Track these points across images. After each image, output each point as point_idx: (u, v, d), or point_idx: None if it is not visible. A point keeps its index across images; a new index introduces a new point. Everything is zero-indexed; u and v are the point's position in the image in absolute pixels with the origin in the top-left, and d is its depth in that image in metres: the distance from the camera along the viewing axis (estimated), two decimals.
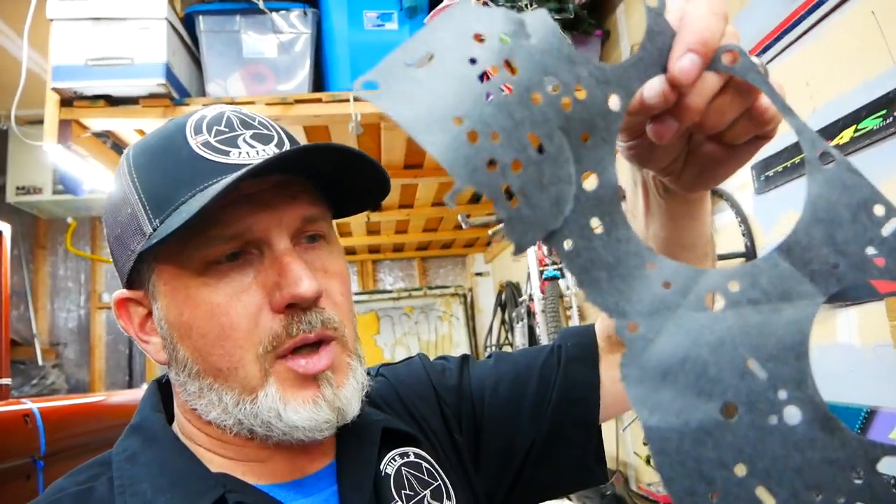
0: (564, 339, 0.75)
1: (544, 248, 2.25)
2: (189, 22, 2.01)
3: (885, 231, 0.31)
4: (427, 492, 0.62)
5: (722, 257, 1.48)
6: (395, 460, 0.63)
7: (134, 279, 0.57)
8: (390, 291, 4.64)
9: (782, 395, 0.30)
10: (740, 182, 1.51)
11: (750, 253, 1.49)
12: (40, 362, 4.48)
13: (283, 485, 0.58)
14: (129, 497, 0.52)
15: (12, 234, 4.74)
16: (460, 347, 4.56)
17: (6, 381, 2.16)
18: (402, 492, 0.61)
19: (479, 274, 4.86)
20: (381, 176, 0.58)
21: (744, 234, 1.50)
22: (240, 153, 0.54)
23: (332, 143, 0.53)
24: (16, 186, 3.98)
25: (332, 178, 0.58)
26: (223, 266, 0.53)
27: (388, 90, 0.29)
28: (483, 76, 0.31)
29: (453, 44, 0.31)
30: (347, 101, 1.92)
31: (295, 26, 2.00)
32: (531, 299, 2.34)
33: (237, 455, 0.58)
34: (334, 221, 0.64)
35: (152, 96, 1.85)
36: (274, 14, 1.98)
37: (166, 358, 0.57)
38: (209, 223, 0.52)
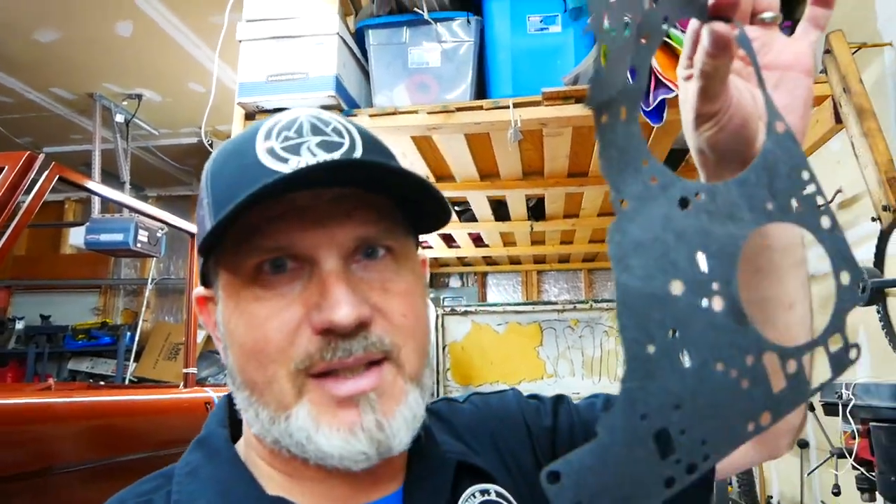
0: None
1: None
2: (360, 37, 2.09)
3: (806, 191, 0.40)
4: None
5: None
6: (475, 497, 0.59)
7: (206, 278, 0.58)
8: (555, 303, 4.53)
9: (714, 286, 0.37)
10: None
11: None
12: None
13: None
14: None
15: None
16: None
17: (192, 370, 2.40)
18: None
19: None
20: (430, 193, 0.54)
21: None
22: (298, 161, 0.52)
23: (366, 158, 0.52)
24: None
25: (404, 194, 0.56)
26: (270, 277, 0.52)
27: None
28: None
29: None
30: (508, 107, 1.88)
31: (458, 35, 2.01)
32: None
33: (295, 473, 0.56)
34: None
35: (323, 108, 1.95)
36: (438, 24, 2.00)
37: (225, 363, 0.57)
38: (254, 232, 0.51)
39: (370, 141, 0.57)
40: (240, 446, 0.60)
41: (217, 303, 0.56)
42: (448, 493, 0.58)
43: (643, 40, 0.40)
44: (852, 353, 0.39)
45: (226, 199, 0.51)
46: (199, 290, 0.60)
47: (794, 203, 0.40)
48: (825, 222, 0.40)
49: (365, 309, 0.51)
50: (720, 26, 0.43)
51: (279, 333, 0.51)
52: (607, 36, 0.38)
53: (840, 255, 0.40)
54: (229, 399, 0.61)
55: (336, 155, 0.53)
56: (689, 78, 0.51)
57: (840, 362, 0.39)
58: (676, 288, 0.37)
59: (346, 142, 0.55)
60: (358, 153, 0.55)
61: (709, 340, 0.36)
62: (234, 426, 0.61)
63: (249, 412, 0.54)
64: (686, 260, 0.37)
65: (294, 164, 0.52)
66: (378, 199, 0.55)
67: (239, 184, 0.52)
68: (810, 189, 0.41)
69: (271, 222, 0.51)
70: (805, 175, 0.41)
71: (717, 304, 0.37)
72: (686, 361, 0.36)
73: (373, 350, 0.51)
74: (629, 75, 0.39)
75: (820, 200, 0.41)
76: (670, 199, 0.39)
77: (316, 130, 0.54)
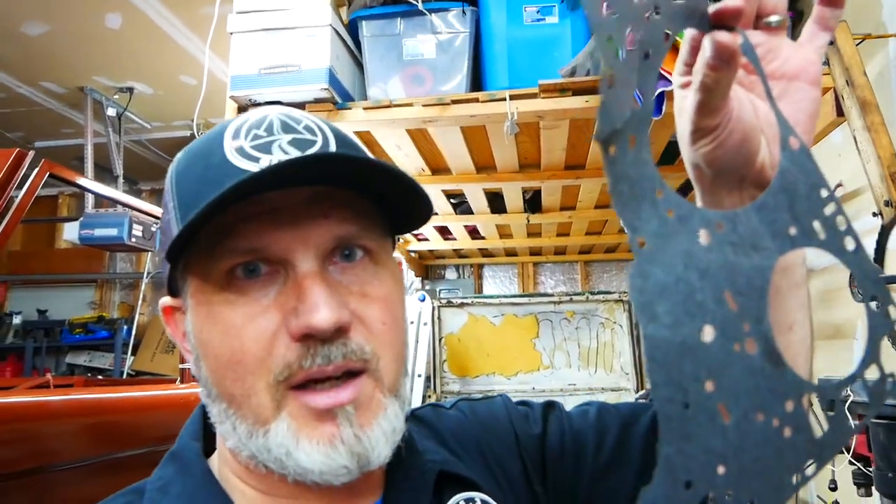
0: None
1: None
2: (353, 29, 2.06)
3: (827, 211, 0.38)
4: None
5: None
6: None
7: (173, 287, 0.56)
8: (551, 295, 4.52)
9: (746, 327, 0.34)
10: None
11: None
12: None
13: None
14: None
15: None
16: (623, 356, 4.33)
17: (188, 364, 2.37)
18: None
19: None
20: (413, 190, 0.52)
21: None
22: (270, 160, 0.50)
23: (342, 152, 0.50)
24: None
25: (383, 191, 0.53)
26: (243, 282, 0.50)
27: None
28: None
29: None
30: (504, 99, 1.85)
31: (453, 26, 1.98)
32: None
33: (269, 489, 0.54)
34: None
35: (317, 101, 1.92)
36: (433, 15, 1.97)
37: (197, 374, 0.54)
38: (227, 234, 0.49)
39: (343, 138, 0.55)
40: (213, 461, 0.58)
41: (185, 312, 0.54)
42: (429, 502, 0.57)
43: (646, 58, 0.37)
44: (888, 384, 0.36)
45: (193, 200, 0.49)
46: (164, 299, 0.57)
47: (816, 225, 0.38)
48: (849, 244, 0.38)
49: (345, 313, 0.49)
50: (724, 36, 0.40)
51: (256, 343, 0.49)
52: (612, 55, 0.35)
53: (869, 278, 0.37)
54: (203, 410, 0.59)
55: (310, 153, 0.51)
56: (685, 85, 0.47)
57: (878, 394, 0.36)
58: (707, 333, 0.34)
59: (319, 139, 0.53)
60: (332, 150, 0.53)
61: (747, 388, 0.33)
62: (209, 439, 0.60)
63: (226, 425, 0.52)
64: (714, 300, 0.34)
65: (266, 162, 0.50)
66: (354, 199, 0.53)
67: (207, 185, 0.49)
68: (830, 209, 0.38)
69: (244, 223, 0.49)
70: (823, 193, 0.38)
71: (751, 346, 0.34)
72: (725, 415, 0.33)
73: (352, 358, 0.49)
74: (636, 99, 0.36)
75: (842, 221, 0.38)
76: (690, 233, 0.35)
77: (287, 128, 0.52)
